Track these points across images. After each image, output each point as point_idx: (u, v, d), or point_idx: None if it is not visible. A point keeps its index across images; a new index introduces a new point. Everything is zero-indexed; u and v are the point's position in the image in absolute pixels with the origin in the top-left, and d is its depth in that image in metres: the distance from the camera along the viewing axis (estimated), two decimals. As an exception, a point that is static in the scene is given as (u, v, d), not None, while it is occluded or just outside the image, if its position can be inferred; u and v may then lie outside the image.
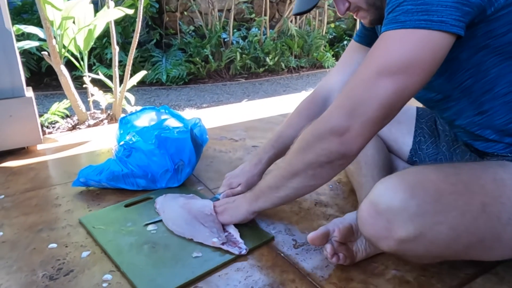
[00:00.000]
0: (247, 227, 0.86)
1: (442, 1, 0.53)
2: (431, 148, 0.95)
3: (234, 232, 0.81)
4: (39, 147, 1.46)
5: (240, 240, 0.79)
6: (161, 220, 0.89)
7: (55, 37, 1.81)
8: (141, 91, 3.23)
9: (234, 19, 4.00)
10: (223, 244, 0.78)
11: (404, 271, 0.72)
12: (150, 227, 0.87)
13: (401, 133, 1.00)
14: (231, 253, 0.77)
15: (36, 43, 1.96)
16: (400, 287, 0.68)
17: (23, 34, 3.02)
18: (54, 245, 0.83)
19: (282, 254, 0.79)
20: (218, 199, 0.92)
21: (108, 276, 0.73)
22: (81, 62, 2.05)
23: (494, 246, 0.61)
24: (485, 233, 0.59)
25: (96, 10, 1.98)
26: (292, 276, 0.72)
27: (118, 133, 1.23)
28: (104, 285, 0.71)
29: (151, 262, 0.76)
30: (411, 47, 0.55)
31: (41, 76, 3.36)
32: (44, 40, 1.94)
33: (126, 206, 0.97)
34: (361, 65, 0.61)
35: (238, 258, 0.77)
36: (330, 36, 4.66)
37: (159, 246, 0.80)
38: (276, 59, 3.90)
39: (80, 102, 1.92)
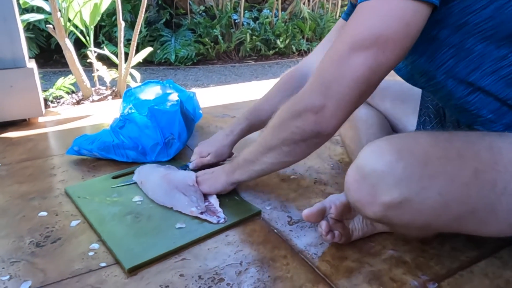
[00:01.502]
0: (235, 201, 0.84)
1: None
2: (436, 128, 0.90)
3: (214, 202, 0.81)
4: (41, 119, 1.44)
5: (219, 209, 0.79)
6: (134, 183, 0.91)
7: (60, 10, 1.78)
8: (149, 70, 3.21)
9: (246, 0, 3.92)
10: (201, 213, 0.77)
11: (402, 252, 0.69)
12: (135, 198, 0.85)
13: (405, 113, 0.95)
14: (209, 222, 0.76)
15: (41, 16, 1.93)
16: (396, 267, 0.65)
17: (32, 8, 3.01)
18: (45, 213, 0.82)
19: (275, 230, 0.76)
20: (187, 167, 0.95)
21: (95, 245, 0.71)
22: (87, 37, 2.03)
23: (488, 219, 0.56)
24: (478, 203, 0.55)
25: (103, -16, 1.94)
26: (283, 252, 0.69)
27: (122, 105, 1.22)
28: (90, 253, 0.69)
29: (132, 232, 0.74)
30: (382, 18, 0.52)
31: (51, 53, 3.36)
32: (48, 13, 1.92)
33: (114, 178, 0.96)
34: (334, 42, 0.58)
35: (228, 233, 0.74)
36: (344, 20, 4.56)
37: (143, 216, 0.79)
38: (287, 41, 3.82)
39: (85, 77, 1.90)
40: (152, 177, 0.89)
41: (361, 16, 0.54)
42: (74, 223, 0.78)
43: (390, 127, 0.97)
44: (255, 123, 0.96)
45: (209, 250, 0.70)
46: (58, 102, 1.93)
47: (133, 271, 0.64)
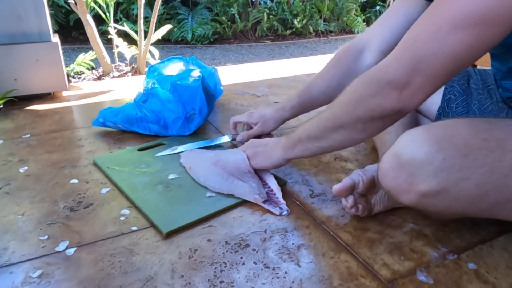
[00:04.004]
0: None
1: None
2: (460, 107, 0.90)
3: (276, 190, 0.79)
4: (64, 93, 1.48)
5: (282, 201, 0.76)
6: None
7: (81, -14, 1.79)
8: (166, 48, 3.22)
9: (263, -22, 3.86)
10: (264, 202, 0.76)
11: (423, 225, 0.70)
12: (171, 176, 0.86)
13: None
14: (271, 213, 0.74)
15: (63, -9, 1.94)
16: (417, 239, 0.67)
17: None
18: (76, 180, 0.86)
19: (297, 202, 0.78)
20: (233, 140, 0.98)
21: (125, 211, 0.75)
22: (107, 14, 2.04)
23: None
24: None
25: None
26: (307, 222, 0.72)
27: (145, 80, 1.24)
28: (122, 218, 0.72)
29: (165, 199, 0.77)
30: None
31: (69, 30, 3.38)
32: (71, -11, 1.93)
33: (140, 150, 0.98)
34: (428, 14, 0.54)
35: (253, 203, 0.77)
36: (363, 0, 4.45)
37: (173, 186, 0.81)
38: (304, 21, 3.77)
39: (105, 53, 1.92)
40: (202, 163, 0.86)
41: None
42: (104, 190, 0.82)
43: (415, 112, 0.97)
44: (307, 101, 0.93)
45: (234, 218, 0.73)
46: (79, 78, 1.96)
47: (170, 235, 0.68)
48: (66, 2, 3.28)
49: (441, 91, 0.94)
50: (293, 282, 0.58)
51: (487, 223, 0.70)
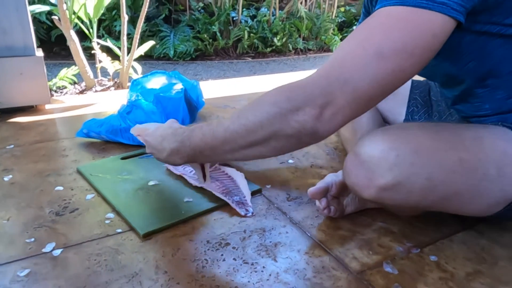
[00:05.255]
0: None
1: None
2: (423, 118, 0.98)
3: (246, 193, 0.83)
4: (47, 106, 1.50)
5: (250, 204, 0.81)
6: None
7: (65, 3, 1.83)
8: (148, 64, 3.26)
9: (244, -2, 3.98)
10: (233, 202, 0.81)
11: (390, 224, 0.76)
12: (151, 182, 0.90)
13: (397, 103, 1.03)
14: (238, 214, 0.79)
15: (47, 8, 1.98)
16: (385, 236, 0.72)
17: (33, 1, 3.05)
18: (61, 187, 0.88)
19: (275, 205, 0.83)
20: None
21: (110, 215, 0.78)
22: (90, 30, 2.08)
23: (470, 200, 0.64)
24: (461, 187, 0.62)
25: (107, -22, 2.00)
26: (283, 223, 0.76)
27: (129, 94, 1.28)
28: (107, 221, 0.75)
29: (144, 204, 0.81)
30: (412, 29, 0.53)
31: (51, 45, 3.39)
32: (53, 5, 1.97)
33: (123, 158, 1.02)
34: (355, 38, 0.57)
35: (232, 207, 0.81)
36: (340, 20, 4.63)
37: (153, 192, 0.85)
38: (283, 40, 3.89)
39: (88, 68, 1.95)
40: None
41: (389, 23, 0.54)
42: (89, 196, 0.85)
43: (382, 118, 1.04)
44: None
45: (215, 220, 0.77)
46: (61, 92, 1.98)
47: (147, 236, 0.71)
48: (47, 18, 3.30)
49: (405, 103, 1.02)
50: (270, 275, 0.62)
51: (448, 222, 0.77)
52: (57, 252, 0.67)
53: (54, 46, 3.42)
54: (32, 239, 0.70)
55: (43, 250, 0.67)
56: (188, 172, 0.91)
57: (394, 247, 0.69)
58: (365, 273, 0.63)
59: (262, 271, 0.63)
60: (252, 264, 0.64)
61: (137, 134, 0.87)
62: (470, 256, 0.67)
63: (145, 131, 0.83)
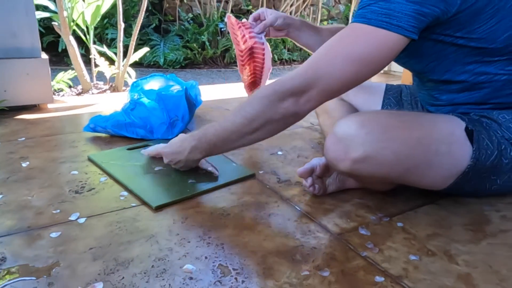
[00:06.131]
0: (234, 166, 1.04)
1: (403, 9, 0.68)
2: None
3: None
4: (50, 106, 1.59)
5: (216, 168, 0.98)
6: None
7: (66, 10, 1.94)
8: (139, 71, 3.35)
9: (231, 10, 4.14)
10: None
11: (367, 200, 0.90)
12: (157, 168, 1.01)
13: (373, 103, 1.18)
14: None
15: (47, 14, 2.08)
16: (361, 209, 0.86)
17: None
18: (76, 172, 0.99)
19: (267, 186, 0.95)
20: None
21: (124, 193, 0.89)
22: (87, 36, 2.18)
23: (427, 173, 0.78)
24: (420, 160, 0.76)
25: (105, -12, 2.11)
26: (275, 199, 0.89)
27: (129, 94, 1.39)
28: (122, 198, 0.86)
29: (153, 184, 0.92)
30: (374, 43, 0.70)
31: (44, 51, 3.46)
32: (53, 12, 2.07)
33: (129, 149, 1.13)
34: (331, 44, 0.74)
35: (231, 187, 0.93)
36: (323, 33, 4.85)
37: (160, 174, 0.97)
38: (270, 50, 4.07)
39: (85, 71, 2.05)
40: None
41: (358, 36, 0.72)
42: (102, 179, 0.95)
43: None
44: (311, 29, 1.12)
45: (216, 197, 0.89)
46: (58, 95, 2.07)
47: (159, 208, 0.82)
48: (40, 25, 3.37)
49: (380, 103, 1.17)
50: (266, 236, 0.74)
51: (415, 197, 0.91)
52: (82, 220, 0.77)
53: (46, 53, 3.49)
54: (58, 210, 0.80)
55: (70, 219, 0.77)
56: None
57: (368, 216, 0.83)
58: (344, 235, 0.76)
59: (259, 234, 0.75)
60: (251, 229, 0.77)
61: (153, 154, 1.03)
62: (431, 222, 0.81)
63: (158, 148, 1.01)
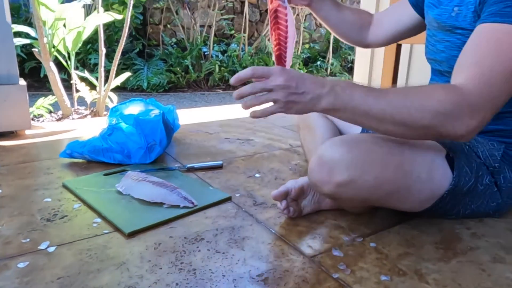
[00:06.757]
0: (210, 190, 1.04)
1: None
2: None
3: (186, 194, 0.97)
4: (27, 132, 1.58)
5: (190, 198, 0.96)
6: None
7: (46, 36, 1.95)
8: (122, 95, 3.36)
9: (215, 35, 4.22)
10: (182, 197, 0.95)
11: (341, 221, 0.90)
12: (134, 195, 1.00)
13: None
14: (188, 207, 0.93)
15: (27, 41, 2.09)
16: (335, 230, 0.86)
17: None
18: (49, 199, 0.97)
19: (243, 209, 0.95)
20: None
21: (97, 220, 0.88)
22: (68, 62, 2.19)
23: (406, 197, 0.80)
24: (400, 185, 0.78)
25: (86, 15, 2.14)
26: (250, 222, 0.89)
27: (108, 119, 1.39)
28: (94, 225, 0.85)
29: (127, 210, 0.92)
30: None
31: (24, 77, 3.44)
32: (34, 39, 2.08)
33: (105, 175, 1.12)
34: (492, 52, 0.68)
35: (206, 211, 0.93)
36: (305, 56, 4.95)
37: (135, 200, 0.96)
38: (253, 73, 4.13)
39: (65, 97, 2.05)
40: (131, 181, 1.02)
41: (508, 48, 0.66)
42: (76, 205, 0.94)
43: (339, 133, 1.21)
44: (332, 4, 1.07)
45: (191, 221, 0.88)
46: (38, 120, 2.05)
47: (131, 235, 0.81)
48: (22, 51, 3.38)
49: None
50: (238, 260, 0.74)
51: (389, 218, 0.92)
52: (52, 248, 0.76)
53: (27, 78, 3.48)
54: (28, 239, 0.79)
55: (39, 248, 0.76)
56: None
57: (342, 237, 0.83)
58: (317, 257, 0.76)
59: (231, 258, 0.75)
60: (223, 253, 0.76)
61: (258, 74, 0.70)
62: (403, 242, 0.82)
63: (271, 70, 0.70)
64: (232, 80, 0.72)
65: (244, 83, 0.72)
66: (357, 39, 1.12)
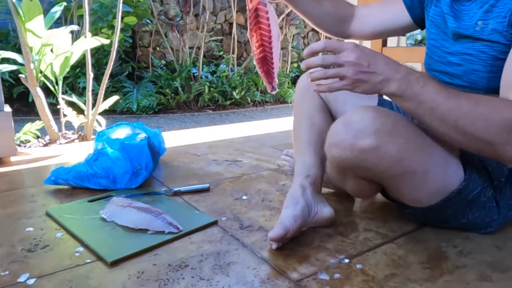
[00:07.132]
0: (196, 214, 1.03)
1: None
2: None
3: (171, 220, 0.95)
4: (13, 159, 1.56)
5: (175, 223, 0.94)
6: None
7: (33, 62, 1.95)
8: (111, 118, 3.35)
9: (204, 56, 4.26)
10: (166, 222, 0.94)
11: (326, 242, 0.90)
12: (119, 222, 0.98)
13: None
14: (173, 233, 0.92)
15: (14, 67, 2.09)
16: (321, 252, 0.85)
17: (-3, 61, 3.13)
18: (31, 228, 0.95)
19: (229, 233, 0.94)
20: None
21: (80, 249, 0.86)
22: (56, 87, 2.19)
23: (419, 183, 0.81)
24: (418, 167, 0.78)
25: (73, 40, 2.16)
26: (235, 246, 0.88)
27: (95, 144, 1.38)
28: (77, 254, 0.84)
29: (111, 237, 0.90)
30: None
31: (13, 102, 3.43)
32: (21, 65, 2.08)
33: (89, 201, 1.11)
34: None
35: (191, 236, 0.92)
36: (293, 75, 5.01)
37: (119, 227, 0.94)
38: (242, 93, 4.15)
39: (53, 122, 2.04)
40: (116, 208, 1.00)
41: None
42: (59, 234, 0.92)
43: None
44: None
45: (176, 248, 0.87)
46: (25, 146, 2.03)
47: (114, 264, 0.80)
48: (10, 76, 3.37)
49: None
50: (223, 287, 0.73)
51: (374, 239, 0.91)
52: (31, 281, 0.74)
53: (16, 103, 3.46)
54: (7, 272, 0.77)
55: (18, 280, 0.74)
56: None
57: (328, 260, 0.82)
58: (303, 281, 0.75)
59: (216, 285, 0.73)
60: (208, 280, 0.75)
61: (332, 48, 0.71)
62: (389, 263, 0.81)
63: (344, 45, 0.70)
64: (305, 51, 0.72)
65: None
66: (337, 31, 1.09)
